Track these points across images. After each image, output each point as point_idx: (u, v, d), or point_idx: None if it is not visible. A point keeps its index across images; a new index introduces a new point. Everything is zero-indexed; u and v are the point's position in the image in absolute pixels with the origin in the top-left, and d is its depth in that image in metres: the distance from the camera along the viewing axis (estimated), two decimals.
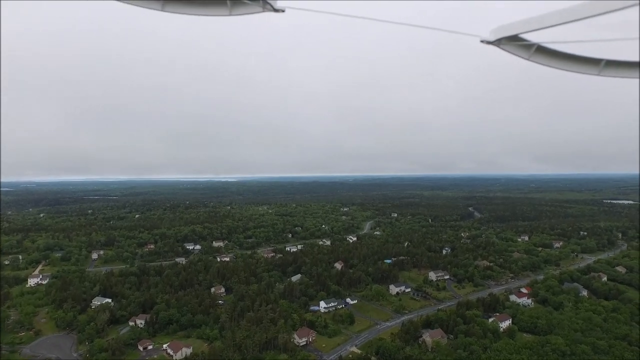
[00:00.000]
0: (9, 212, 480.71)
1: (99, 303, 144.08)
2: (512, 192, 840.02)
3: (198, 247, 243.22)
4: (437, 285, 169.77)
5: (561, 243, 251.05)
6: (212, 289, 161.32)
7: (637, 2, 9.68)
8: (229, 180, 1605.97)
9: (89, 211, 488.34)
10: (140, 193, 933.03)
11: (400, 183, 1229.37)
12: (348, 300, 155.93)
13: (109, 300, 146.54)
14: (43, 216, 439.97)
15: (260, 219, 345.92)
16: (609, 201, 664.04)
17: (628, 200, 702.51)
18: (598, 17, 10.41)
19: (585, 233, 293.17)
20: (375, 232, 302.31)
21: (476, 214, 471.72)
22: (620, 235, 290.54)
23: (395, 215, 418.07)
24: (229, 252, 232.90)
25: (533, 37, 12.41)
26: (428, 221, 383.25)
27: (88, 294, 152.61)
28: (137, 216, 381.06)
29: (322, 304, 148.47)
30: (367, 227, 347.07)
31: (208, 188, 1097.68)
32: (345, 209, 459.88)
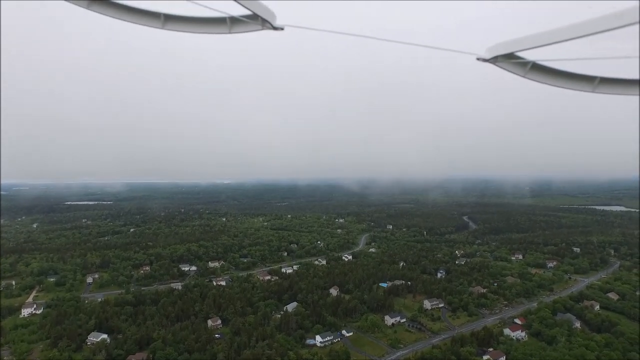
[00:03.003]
0: (1, 221, 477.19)
1: (94, 339, 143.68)
2: (507, 197, 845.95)
3: (194, 268, 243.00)
4: (432, 315, 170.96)
5: (555, 263, 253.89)
6: (209, 321, 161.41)
7: (632, 22, 9.90)
8: (224, 182, 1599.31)
9: (84, 220, 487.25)
10: (135, 197, 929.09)
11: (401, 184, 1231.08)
12: (344, 332, 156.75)
13: (105, 337, 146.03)
14: (37, 227, 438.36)
15: (255, 234, 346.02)
16: (601, 208, 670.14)
17: (621, 206, 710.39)
18: (593, 35, 10.67)
19: (579, 249, 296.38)
20: (371, 249, 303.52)
21: (471, 224, 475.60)
22: (612, 252, 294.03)
23: (391, 227, 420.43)
24: (224, 274, 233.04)
25: (528, 55, 12.68)
26: (423, 234, 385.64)
27: (83, 328, 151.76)
28: (132, 230, 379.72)
29: (318, 337, 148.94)
30: (362, 241, 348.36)
31: (203, 191, 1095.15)
32: (341, 221, 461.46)
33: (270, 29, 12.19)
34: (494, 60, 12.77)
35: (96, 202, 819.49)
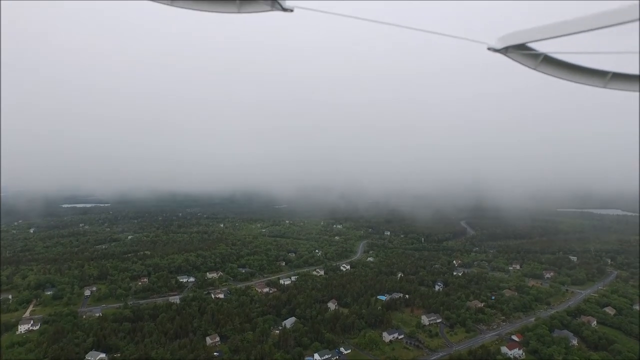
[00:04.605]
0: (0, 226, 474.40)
1: (92, 359, 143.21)
2: (504, 199, 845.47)
3: (192, 279, 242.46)
4: (430, 331, 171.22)
5: (552, 273, 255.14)
6: (208, 339, 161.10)
7: None
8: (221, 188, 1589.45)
9: (81, 225, 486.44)
10: (131, 200, 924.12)
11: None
12: (342, 349, 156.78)
13: (103, 356, 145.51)
14: (33, 232, 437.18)
15: (254, 242, 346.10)
16: (598, 212, 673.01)
17: (618, 209, 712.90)
18: (606, 28, 10.50)
19: (576, 258, 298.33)
20: (369, 258, 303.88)
21: (468, 229, 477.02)
22: (609, 261, 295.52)
23: (388, 233, 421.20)
24: (222, 286, 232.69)
25: (540, 47, 12.59)
26: (421, 241, 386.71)
27: (81, 347, 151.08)
28: (129, 237, 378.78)
29: (317, 356, 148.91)
30: (360, 249, 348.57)
31: (198, 197, 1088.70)
32: (339, 227, 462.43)
33: (279, 10, 12.24)
34: (505, 50, 12.66)
35: (93, 205, 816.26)
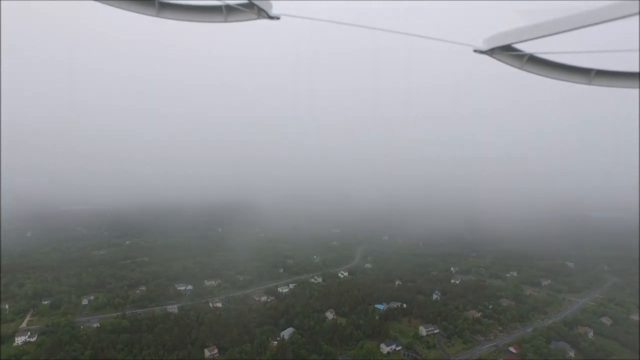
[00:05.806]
0: None
1: None
2: (501, 202, 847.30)
3: (190, 287, 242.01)
4: (427, 342, 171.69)
5: (549, 281, 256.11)
6: (206, 351, 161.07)
7: (627, 14, 10.07)
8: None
9: (79, 228, 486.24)
10: (130, 203, 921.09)
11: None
12: None
13: None
14: (30, 235, 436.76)
15: (252, 247, 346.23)
16: (596, 215, 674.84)
17: (615, 211, 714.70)
18: (589, 27, 10.82)
19: (573, 264, 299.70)
20: (367, 264, 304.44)
21: (467, 233, 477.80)
22: (606, 267, 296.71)
23: (387, 237, 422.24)
24: (221, 294, 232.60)
25: (525, 47, 12.86)
26: (419, 244, 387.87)
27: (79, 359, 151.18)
28: (127, 242, 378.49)
29: None
30: (358, 254, 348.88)
31: (197, 196, 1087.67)
32: (337, 231, 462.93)
33: (266, 18, 12.39)
34: (491, 52, 12.91)
35: (92, 207, 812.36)
